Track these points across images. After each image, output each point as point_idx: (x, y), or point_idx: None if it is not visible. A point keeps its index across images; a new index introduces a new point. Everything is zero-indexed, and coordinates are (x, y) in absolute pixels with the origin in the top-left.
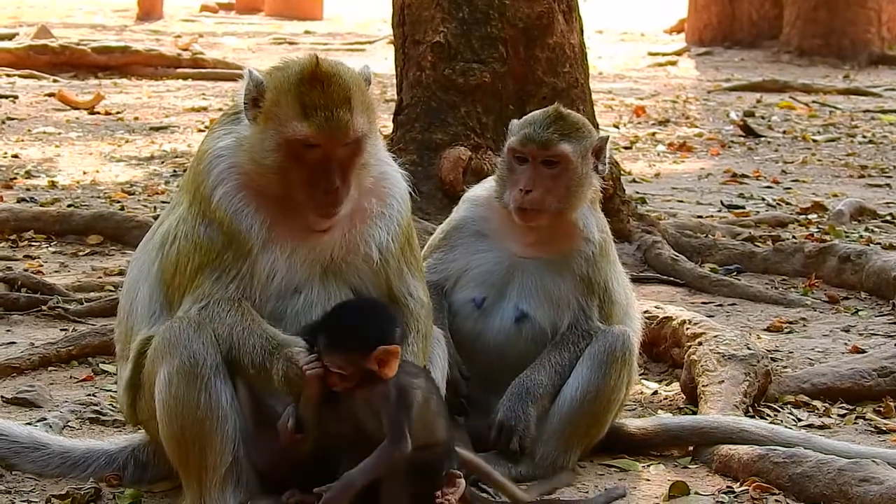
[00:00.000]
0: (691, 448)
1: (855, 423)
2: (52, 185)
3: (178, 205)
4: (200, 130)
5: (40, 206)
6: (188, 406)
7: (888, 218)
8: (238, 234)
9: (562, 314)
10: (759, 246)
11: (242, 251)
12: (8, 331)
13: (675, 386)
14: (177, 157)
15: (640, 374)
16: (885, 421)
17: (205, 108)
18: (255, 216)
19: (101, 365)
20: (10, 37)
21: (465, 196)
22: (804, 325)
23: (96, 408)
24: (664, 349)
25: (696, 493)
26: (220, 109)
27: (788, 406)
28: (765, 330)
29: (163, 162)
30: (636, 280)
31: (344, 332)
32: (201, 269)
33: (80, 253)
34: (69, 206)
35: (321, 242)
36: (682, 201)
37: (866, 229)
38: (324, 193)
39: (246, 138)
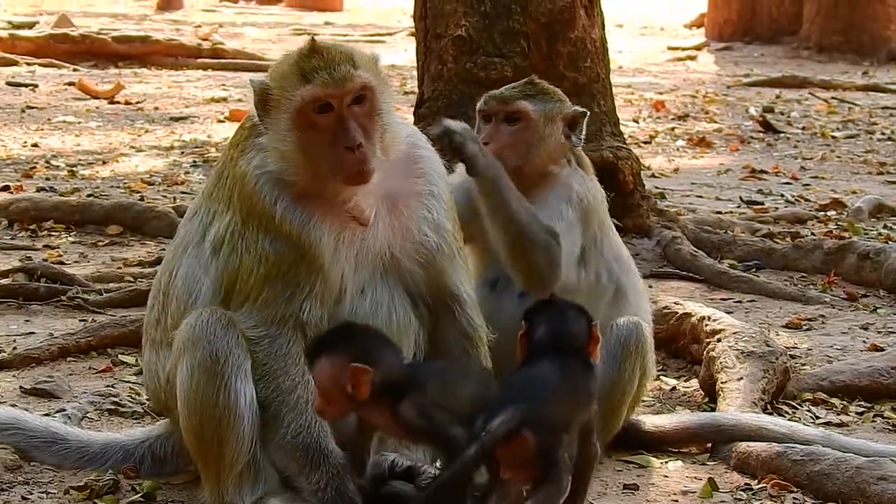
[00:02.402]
0: (709, 445)
1: (873, 421)
2: (72, 174)
3: (218, 213)
4: (220, 121)
5: (60, 195)
6: (207, 402)
7: None
8: (310, 246)
9: None
10: (778, 242)
11: (315, 264)
12: (27, 321)
13: (694, 382)
14: (197, 147)
15: (658, 370)
16: None
17: (224, 99)
18: (322, 226)
19: (120, 356)
20: (31, 25)
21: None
22: (823, 323)
23: (115, 399)
24: (683, 345)
25: (715, 490)
26: (240, 100)
27: (807, 403)
28: (783, 327)
29: (183, 152)
30: (655, 275)
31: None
32: (269, 279)
33: (100, 243)
34: (89, 195)
35: (377, 238)
36: (700, 197)
37: (885, 226)
38: (347, 152)
39: (269, 144)
